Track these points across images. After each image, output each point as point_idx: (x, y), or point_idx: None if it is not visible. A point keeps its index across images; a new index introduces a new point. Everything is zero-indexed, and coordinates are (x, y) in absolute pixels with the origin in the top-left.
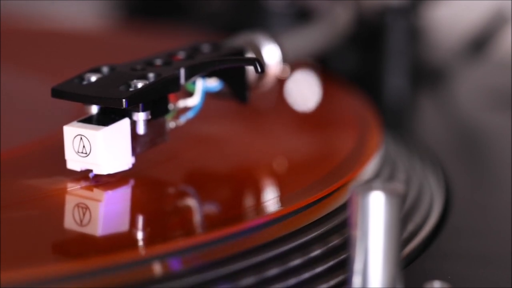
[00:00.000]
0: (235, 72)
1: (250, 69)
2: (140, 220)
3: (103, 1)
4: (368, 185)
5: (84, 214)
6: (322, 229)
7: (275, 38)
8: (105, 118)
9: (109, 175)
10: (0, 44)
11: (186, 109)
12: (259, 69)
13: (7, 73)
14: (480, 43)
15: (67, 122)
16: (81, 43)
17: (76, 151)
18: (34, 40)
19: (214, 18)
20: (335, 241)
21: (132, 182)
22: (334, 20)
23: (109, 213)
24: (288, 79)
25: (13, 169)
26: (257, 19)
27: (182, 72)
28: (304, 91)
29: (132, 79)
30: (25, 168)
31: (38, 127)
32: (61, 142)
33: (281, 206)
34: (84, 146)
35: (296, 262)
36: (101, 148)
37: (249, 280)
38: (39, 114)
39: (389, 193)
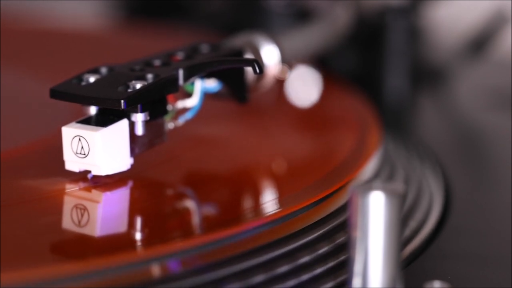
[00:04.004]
0: (234, 73)
1: (249, 69)
2: (138, 221)
3: (103, 1)
4: (368, 185)
5: (82, 215)
6: (324, 230)
7: (274, 38)
8: (104, 119)
9: (107, 176)
10: (0, 44)
11: (185, 110)
12: (258, 70)
13: (7, 73)
14: (480, 43)
15: (66, 122)
16: (81, 43)
17: (75, 152)
18: (34, 40)
19: (214, 18)
20: (338, 241)
21: (130, 183)
22: (334, 20)
23: (107, 214)
24: (289, 74)
25: (13, 169)
26: (257, 19)
27: (181, 72)
28: (305, 86)
29: (131, 80)
30: (24, 168)
31: (38, 127)
32: (60, 142)
33: (280, 207)
34: (82, 147)
35: (299, 262)
36: (100, 149)
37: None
38: (39, 114)
39: (389, 193)
